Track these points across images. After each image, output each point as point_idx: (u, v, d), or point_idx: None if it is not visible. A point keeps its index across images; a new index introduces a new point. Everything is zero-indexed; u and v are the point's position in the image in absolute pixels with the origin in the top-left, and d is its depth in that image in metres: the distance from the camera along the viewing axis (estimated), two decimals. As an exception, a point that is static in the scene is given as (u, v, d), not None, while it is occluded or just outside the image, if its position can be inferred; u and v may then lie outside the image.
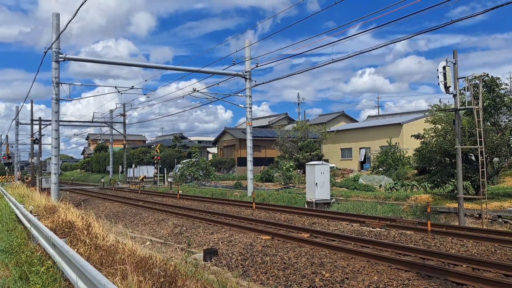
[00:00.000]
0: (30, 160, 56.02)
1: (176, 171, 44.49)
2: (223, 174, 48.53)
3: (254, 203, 21.47)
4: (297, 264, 9.75)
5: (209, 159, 60.19)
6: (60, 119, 24.55)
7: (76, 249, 7.44)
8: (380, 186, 27.73)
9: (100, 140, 65.19)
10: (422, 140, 21.08)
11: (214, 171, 46.12)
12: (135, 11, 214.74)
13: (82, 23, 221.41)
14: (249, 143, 28.01)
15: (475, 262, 9.16)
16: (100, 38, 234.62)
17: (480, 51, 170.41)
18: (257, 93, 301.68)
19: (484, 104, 17.75)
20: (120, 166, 55.37)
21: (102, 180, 50.18)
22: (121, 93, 29.66)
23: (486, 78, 18.80)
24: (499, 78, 19.19)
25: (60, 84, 23.35)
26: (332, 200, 21.94)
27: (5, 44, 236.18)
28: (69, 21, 18.53)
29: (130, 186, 44.42)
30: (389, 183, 27.05)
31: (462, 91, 17.60)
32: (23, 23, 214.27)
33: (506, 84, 20.08)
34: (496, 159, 20.43)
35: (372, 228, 14.38)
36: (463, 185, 16.78)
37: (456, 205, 16.44)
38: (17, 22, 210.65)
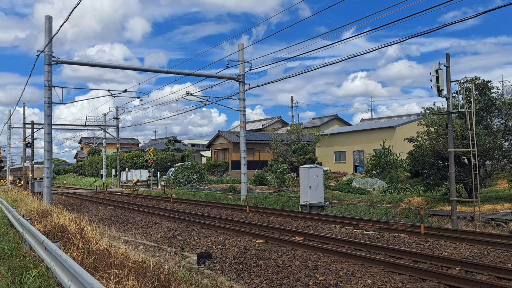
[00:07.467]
0: (22, 163, 55.60)
1: (170, 174, 44.39)
2: (217, 178, 48.49)
3: (248, 207, 21.44)
4: (291, 267, 9.75)
5: (203, 162, 60.14)
6: (53, 123, 24.47)
7: (69, 254, 7.39)
8: (374, 189, 27.80)
9: (93, 143, 64.88)
10: (415, 143, 21.18)
11: (207, 174, 46.06)
12: (130, 16, 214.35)
13: (77, 28, 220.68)
14: (243, 147, 28.00)
15: (468, 265, 9.21)
16: (95, 43, 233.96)
17: (471, 55, 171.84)
18: (251, 96, 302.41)
19: (476, 107, 17.86)
20: (113, 169, 55.15)
21: (95, 183, 49.96)
22: (114, 96, 29.67)
23: (478, 81, 18.93)
24: (490, 81, 19.32)
25: (53, 88, 23.26)
26: (326, 203, 21.98)
27: (0, 48, 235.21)
28: (62, 24, 18.46)
29: (124, 189, 44.23)
30: (383, 186, 27.12)
31: (454, 95, 17.71)
32: (19, 28, 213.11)
33: (498, 88, 20.20)
34: (488, 162, 20.56)
35: (366, 231, 14.41)
36: (456, 188, 16.87)
37: (449, 208, 16.52)
38: (13, 27, 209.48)
